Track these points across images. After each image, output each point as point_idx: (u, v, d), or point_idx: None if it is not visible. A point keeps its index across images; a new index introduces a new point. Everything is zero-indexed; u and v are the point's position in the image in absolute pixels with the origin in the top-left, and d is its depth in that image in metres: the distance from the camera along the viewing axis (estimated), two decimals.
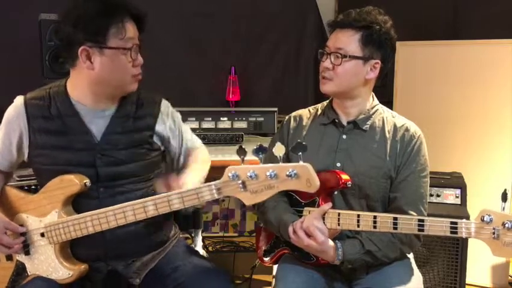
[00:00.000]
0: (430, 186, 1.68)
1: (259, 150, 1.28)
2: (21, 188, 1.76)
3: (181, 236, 1.85)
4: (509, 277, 2.84)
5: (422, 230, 1.40)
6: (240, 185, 1.29)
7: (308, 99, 3.28)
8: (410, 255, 1.73)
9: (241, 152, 1.32)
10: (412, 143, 1.63)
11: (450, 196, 2.46)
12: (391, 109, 1.75)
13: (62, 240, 1.52)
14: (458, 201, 2.45)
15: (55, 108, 1.57)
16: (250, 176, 1.26)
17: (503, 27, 2.91)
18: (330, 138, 1.68)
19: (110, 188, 1.57)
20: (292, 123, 1.77)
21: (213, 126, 2.90)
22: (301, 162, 1.24)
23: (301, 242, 1.52)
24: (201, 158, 1.75)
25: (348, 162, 1.63)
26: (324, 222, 1.52)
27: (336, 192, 1.62)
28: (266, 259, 1.81)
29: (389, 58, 1.65)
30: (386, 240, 1.57)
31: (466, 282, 2.40)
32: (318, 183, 1.24)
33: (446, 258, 2.38)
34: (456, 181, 2.50)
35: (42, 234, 1.55)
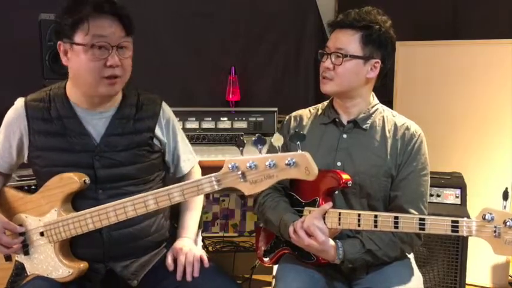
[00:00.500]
0: (430, 186, 1.68)
1: (258, 142, 1.29)
2: (20, 188, 1.77)
3: None
4: (509, 277, 2.84)
5: (424, 229, 1.40)
6: (240, 176, 1.29)
7: (308, 99, 3.28)
8: (411, 255, 1.73)
9: (240, 143, 1.33)
10: (412, 142, 1.63)
11: (450, 196, 2.47)
12: (391, 109, 1.75)
13: (62, 239, 1.52)
14: (458, 201, 2.45)
15: (55, 110, 1.57)
16: (250, 167, 1.27)
17: (503, 27, 2.91)
18: (331, 138, 1.68)
19: (109, 190, 1.57)
20: (293, 123, 1.77)
21: (213, 126, 2.90)
22: (299, 151, 1.26)
23: (301, 242, 1.52)
24: (195, 205, 1.77)
25: (349, 162, 1.63)
26: (324, 222, 1.52)
27: (336, 192, 1.62)
28: (266, 259, 1.80)
29: (389, 58, 1.66)
30: (387, 240, 1.57)
31: (466, 282, 2.40)
32: (316, 171, 1.25)
33: (446, 258, 2.38)
34: (456, 181, 2.50)
35: (42, 234, 1.55)
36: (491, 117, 2.78)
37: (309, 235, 1.51)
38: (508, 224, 1.28)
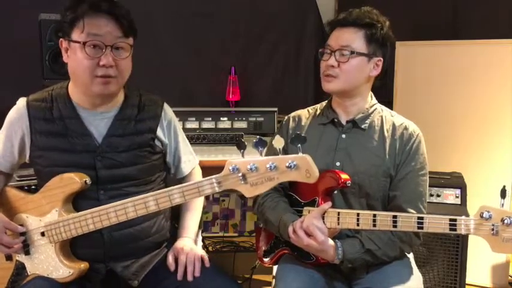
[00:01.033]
0: (430, 186, 1.69)
1: (259, 144, 1.29)
2: (21, 188, 1.77)
3: None
4: (509, 277, 2.84)
5: (422, 228, 1.40)
6: (241, 178, 1.29)
7: (308, 99, 3.28)
8: (410, 255, 1.73)
9: (241, 145, 1.33)
10: (411, 142, 1.63)
11: (450, 196, 2.47)
12: (391, 109, 1.75)
13: (63, 239, 1.52)
14: (458, 201, 2.46)
15: (57, 110, 1.58)
16: (251, 169, 1.28)
17: (503, 27, 2.92)
18: (329, 138, 1.68)
19: (110, 191, 1.57)
20: (292, 124, 1.77)
21: (213, 126, 2.90)
22: (300, 154, 1.25)
23: (300, 242, 1.52)
24: (196, 206, 1.78)
25: (348, 162, 1.63)
26: (323, 222, 1.52)
27: (335, 192, 1.62)
28: (266, 259, 1.81)
29: (388, 57, 1.66)
30: (386, 239, 1.58)
31: (466, 282, 2.40)
32: (317, 173, 1.25)
33: (446, 258, 2.38)
34: (456, 181, 2.50)
35: (43, 234, 1.55)
36: (491, 117, 2.77)
37: (308, 235, 1.51)
38: (505, 221, 1.28)
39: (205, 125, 2.89)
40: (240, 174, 1.29)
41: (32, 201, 1.58)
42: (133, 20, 1.56)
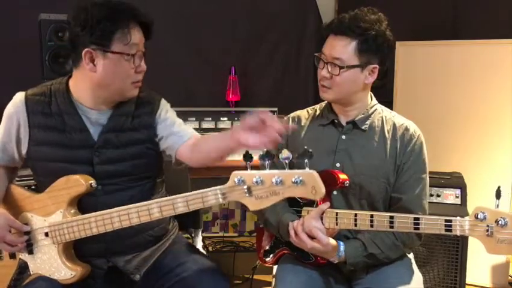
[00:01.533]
0: (430, 186, 1.69)
1: (265, 157, 1.28)
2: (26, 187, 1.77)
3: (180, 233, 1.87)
4: (509, 277, 2.84)
5: (418, 228, 1.40)
6: (246, 190, 1.28)
7: (308, 99, 3.28)
8: (411, 255, 1.74)
9: (247, 158, 1.32)
10: (412, 143, 1.63)
11: (450, 196, 2.46)
12: (391, 109, 1.75)
13: (66, 240, 1.52)
14: (458, 201, 2.45)
15: (55, 105, 1.58)
16: (256, 182, 1.26)
17: (503, 27, 2.91)
18: (329, 139, 1.68)
19: (107, 186, 1.58)
20: (291, 125, 1.76)
21: (213, 126, 2.90)
22: (307, 169, 1.24)
23: (304, 245, 1.52)
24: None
25: (348, 163, 1.63)
26: (322, 222, 1.52)
27: (335, 193, 1.62)
28: (267, 259, 1.80)
29: (387, 59, 1.64)
30: (389, 243, 1.58)
31: (466, 282, 2.40)
32: (323, 190, 1.23)
33: (446, 258, 2.38)
34: (456, 181, 2.50)
35: (46, 234, 1.55)
36: (491, 117, 2.77)
37: (311, 237, 1.51)
38: (500, 223, 1.28)
39: (205, 125, 2.89)
40: (246, 187, 1.28)
41: (37, 201, 1.58)
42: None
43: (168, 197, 1.42)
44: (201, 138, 1.66)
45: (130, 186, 1.61)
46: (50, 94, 1.59)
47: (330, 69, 1.60)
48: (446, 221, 1.36)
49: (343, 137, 1.66)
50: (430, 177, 1.67)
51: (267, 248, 1.81)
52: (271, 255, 1.78)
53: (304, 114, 1.78)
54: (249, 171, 1.28)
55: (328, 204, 1.54)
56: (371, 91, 1.71)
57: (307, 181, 1.23)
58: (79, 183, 1.51)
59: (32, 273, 1.58)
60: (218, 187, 1.34)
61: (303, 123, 1.75)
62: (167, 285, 1.59)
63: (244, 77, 3.27)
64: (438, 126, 2.80)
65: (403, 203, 1.60)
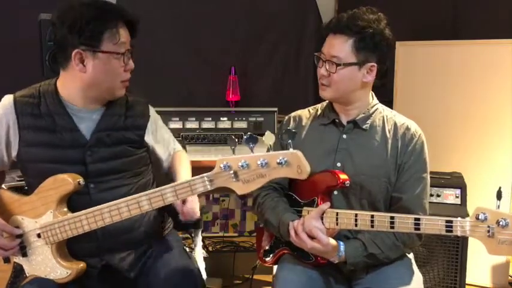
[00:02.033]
0: (430, 186, 1.69)
1: (249, 140, 1.29)
2: (20, 188, 1.76)
3: (179, 234, 1.89)
4: (509, 277, 2.84)
5: (419, 229, 1.40)
6: (232, 175, 1.30)
7: (308, 99, 3.27)
8: (411, 255, 1.74)
9: (232, 142, 1.34)
10: (413, 142, 1.63)
11: (450, 196, 2.47)
12: (391, 109, 1.75)
13: (59, 240, 1.52)
14: (458, 201, 2.45)
15: (45, 105, 1.58)
16: (242, 166, 1.28)
17: (503, 27, 2.91)
18: (330, 138, 1.68)
19: (100, 184, 1.60)
20: (292, 124, 1.76)
21: (213, 126, 2.90)
22: (291, 150, 1.25)
23: (304, 245, 1.52)
24: (185, 163, 1.84)
25: (349, 162, 1.63)
26: (322, 222, 1.52)
27: (336, 193, 1.62)
28: (267, 259, 1.80)
29: (386, 57, 1.64)
30: (390, 244, 1.58)
31: (466, 282, 2.41)
32: (308, 169, 1.25)
33: (446, 258, 2.38)
34: (456, 181, 2.50)
35: (39, 235, 1.55)
36: (491, 117, 2.77)
37: (311, 237, 1.51)
38: (501, 223, 1.28)
39: (205, 125, 2.89)
40: (232, 172, 1.29)
41: (26, 203, 1.58)
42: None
43: (157, 188, 1.43)
44: (172, 164, 1.82)
45: (124, 183, 1.63)
46: (38, 95, 1.60)
47: (327, 67, 1.61)
48: (447, 221, 1.36)
49: (344, 136, 1.66)
50: (430, 177, 1.67)
51: (267, 247, 1.81)
52: (271, 255, 1.78)
53: (305, 113, 1.78)
54: (234, 156, 1.30)
55: (328, 204, 1.54)
56: (372, 91, 1.71)
57: (292, 161, 1.24)
58: (67, 182, 1.52)
59: (27, 275, 1.58)
60: (205, 174, 1.35)
61: (304, 123, 1.75)
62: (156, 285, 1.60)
63: (244, 77, 3.27)
64: (438, 126, 2.80)
65: (404, 203, 1.60)
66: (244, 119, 2.93)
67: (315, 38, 3.26)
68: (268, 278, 2.70)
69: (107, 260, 1.61)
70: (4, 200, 1.63)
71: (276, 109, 2.96)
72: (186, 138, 2.75)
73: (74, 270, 1.53)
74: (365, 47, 1.57)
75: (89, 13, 1.49)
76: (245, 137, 1.30)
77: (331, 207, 1.55)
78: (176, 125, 2.84)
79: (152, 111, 1.77)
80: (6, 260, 1.61)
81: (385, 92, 2.56)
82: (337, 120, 1.69)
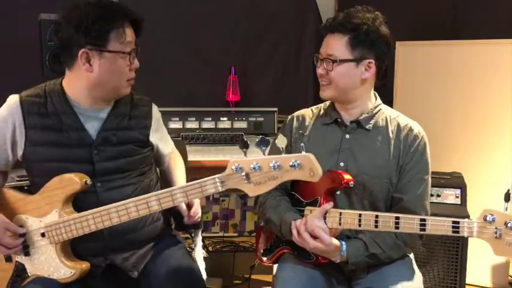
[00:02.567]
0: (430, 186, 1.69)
1: (261, 143, 1.29)
2: (20, 188, 1.76)
3: (180, 234, 1.88)
4: (509, 277, 2.84)
5: (424, 230, 1.40)
6: (244, 177, 1.30)
7: (308, 99, 3.27)
8: (411, 255, 1.74)
9: (244, 144, 1.33)
10: (415, 144, 1.63)
11: (450, 196, 2.47)
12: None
13: (64, 240, 1.52)
14: (458, 201, 2.46)
15: (51, 105, 1.58)
16: (254, 168, 1.28)
17: (503, 27, 2.91)
18: (333, 138, 1.68)
19: (107, 183, 1.60)
20: (295, 123, 1.77)
21: (213, 126, 2.90)
22: (303, 153, 1.26)
23: (306, 245, 1.52)
24: (180, 164, 1.91)
25: (352, 162, 1.63)
26: (325, 222, 1.52)
27: (338, 192, 1.62)
28: (265, 259, 1.80)
29: (385, 55, 1.64)
30: (391, 243, 1.58)
31: (466, 282, 2.41)
32: (320, 172, 1.25)
33: (446, 258, 2.38)
34: (456, 181, 2.50)
35: (43, 234, 1.55)
36: (491, 117, 2.78)
37: (314, 237, 1.51)
38: (509, 225, 1.29)
39: (205, 125, 2.89)
40: (243, 174, 1.30)
41: (31, 202, 1.58)
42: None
43: (167, 189, 1.43)
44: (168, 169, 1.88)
45: (129, 183, 1.64)
46: (44, 95, 1.60)
47: (325, 66, 1.62)
48: (453, 222, 1.36)
49: (347, 136, 1.66)
50: (430, 177, 1.67)
51: (267, 247, 1.80)
52: (271, 254, 1.78)
53: (308, 113, 1.79)
54: (246, 158, 1.30)
55: (331, 204, 1.54)
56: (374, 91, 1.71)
57: (304, 164, 1.25)
58: (74, 181, 1.51)
59: (29, 274, 1.58)
60: (216, 175, 1.35)
61: (307, 123, 1.75)
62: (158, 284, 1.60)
63: (244, 77, 3.27)
64: (438, 126, 2.80)
65: (405, 203, 1.60)
66: (244, 119, 2.93)
67: (315, 38, 3.26)
68: (268, 277, 2.70)
69: (111, 260, 1.61)
70: (8, 199, 1.62)
71: (276, 109, 2.96)
72: (186, 138, 2.75)
73: (78, 270, 1.53)
74: (360, 44, 1.59)
75: (95, 12, 1.49)
76: (257, 140, 1.30)
77: (334, 207, 1.55)
78: (176, 125, 2.84)
79: (155, 110, 1.77)
80: (8, 258, 1.61)
81: (385, 92, 2.55)
82: (339, 120, 1.69)
